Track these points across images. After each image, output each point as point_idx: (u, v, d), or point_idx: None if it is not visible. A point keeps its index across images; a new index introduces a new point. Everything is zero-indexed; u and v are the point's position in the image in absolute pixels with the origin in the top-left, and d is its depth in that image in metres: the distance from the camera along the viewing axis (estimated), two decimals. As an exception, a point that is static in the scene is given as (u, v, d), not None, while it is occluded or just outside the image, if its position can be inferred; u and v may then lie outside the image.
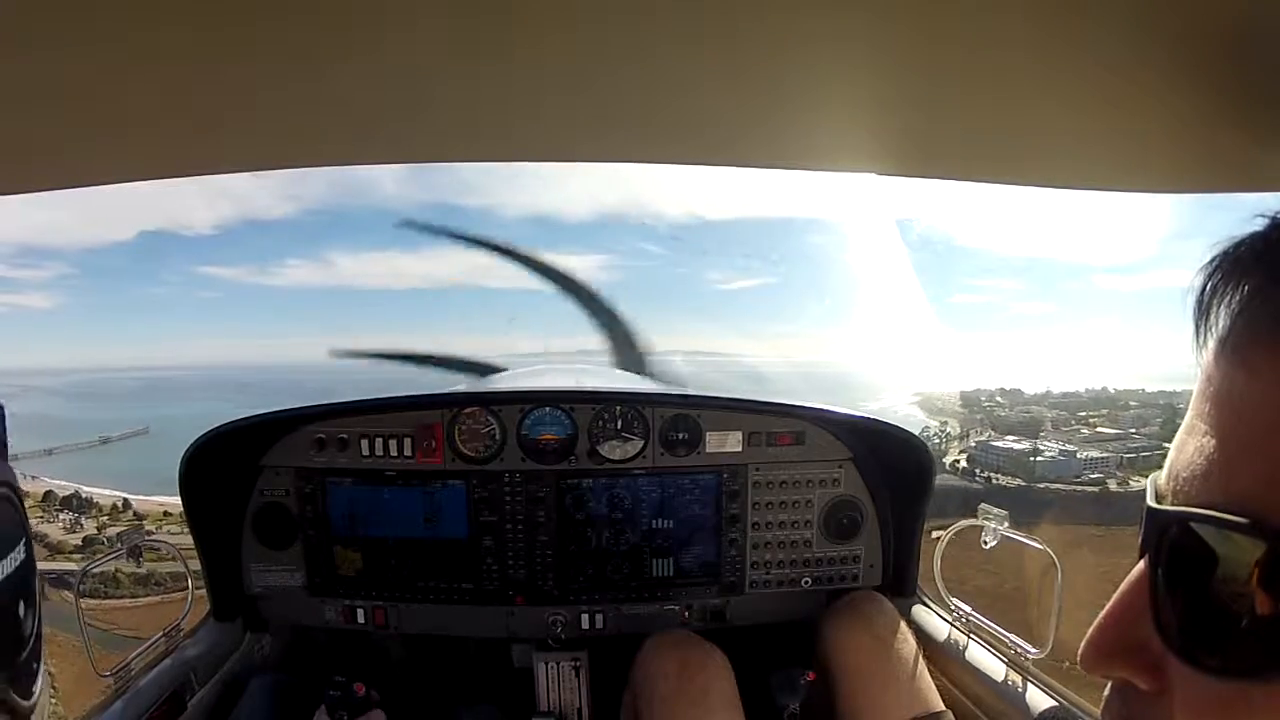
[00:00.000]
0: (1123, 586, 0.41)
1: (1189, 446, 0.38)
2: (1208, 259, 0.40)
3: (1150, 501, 0.40)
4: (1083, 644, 0.42)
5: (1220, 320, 0.39)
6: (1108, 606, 0.41)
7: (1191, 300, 0.40)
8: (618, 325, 4.09)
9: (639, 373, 3.64)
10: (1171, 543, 0.37)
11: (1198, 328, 0.40)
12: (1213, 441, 0.37)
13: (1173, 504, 0.38)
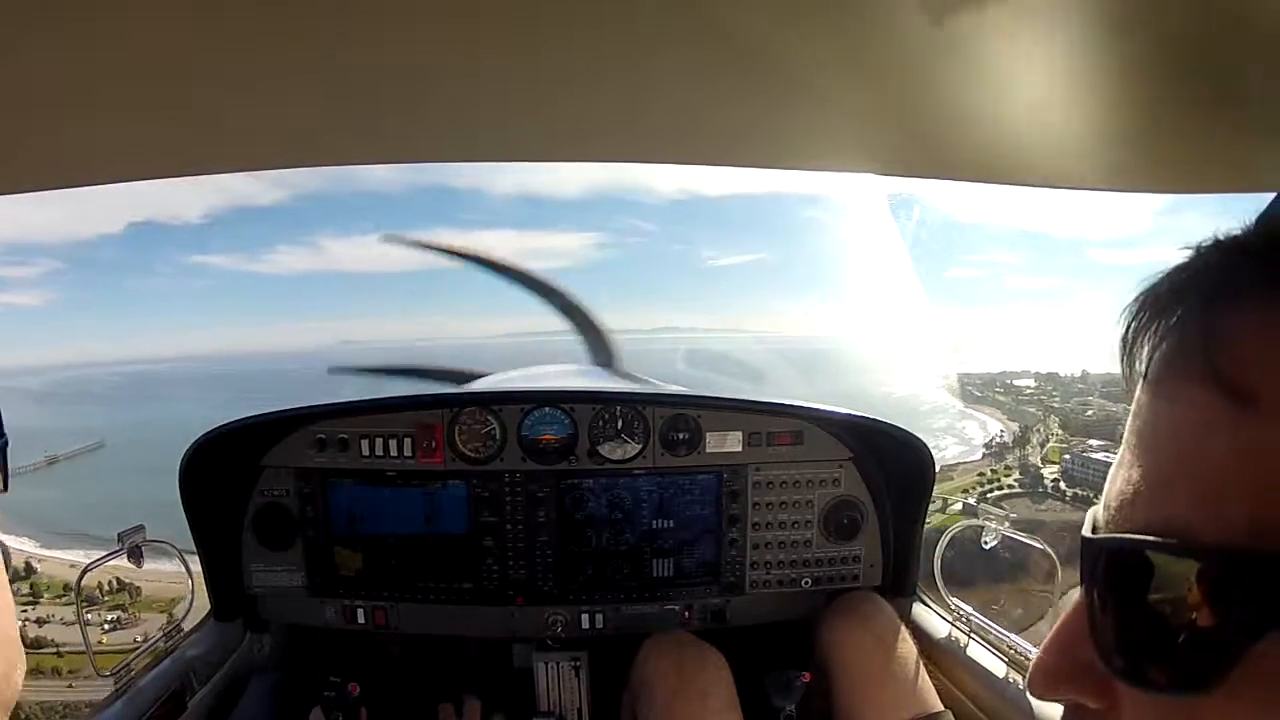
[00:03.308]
0: (1064, 614, 0.43)
1: (1119, 478, 0.40)
2: (1132, 299, 0.42)
3: (1086, 532, 0.41)
4: (1030, 670, 0.44)
5: (1143, 356, 0.41)
6: (1050, 633, 0.43)
7: (1117, 341, 0.42)
8: (583, 316, 4.08)
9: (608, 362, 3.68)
10: (1104, 568, 0.39)
11: (1124, 366, 0.42)
12: (1139, 471, 0.39)
13: (1105, 533, 0.40)
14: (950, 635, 1.92)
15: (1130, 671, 0.38)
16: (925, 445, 2.07)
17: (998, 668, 1.72)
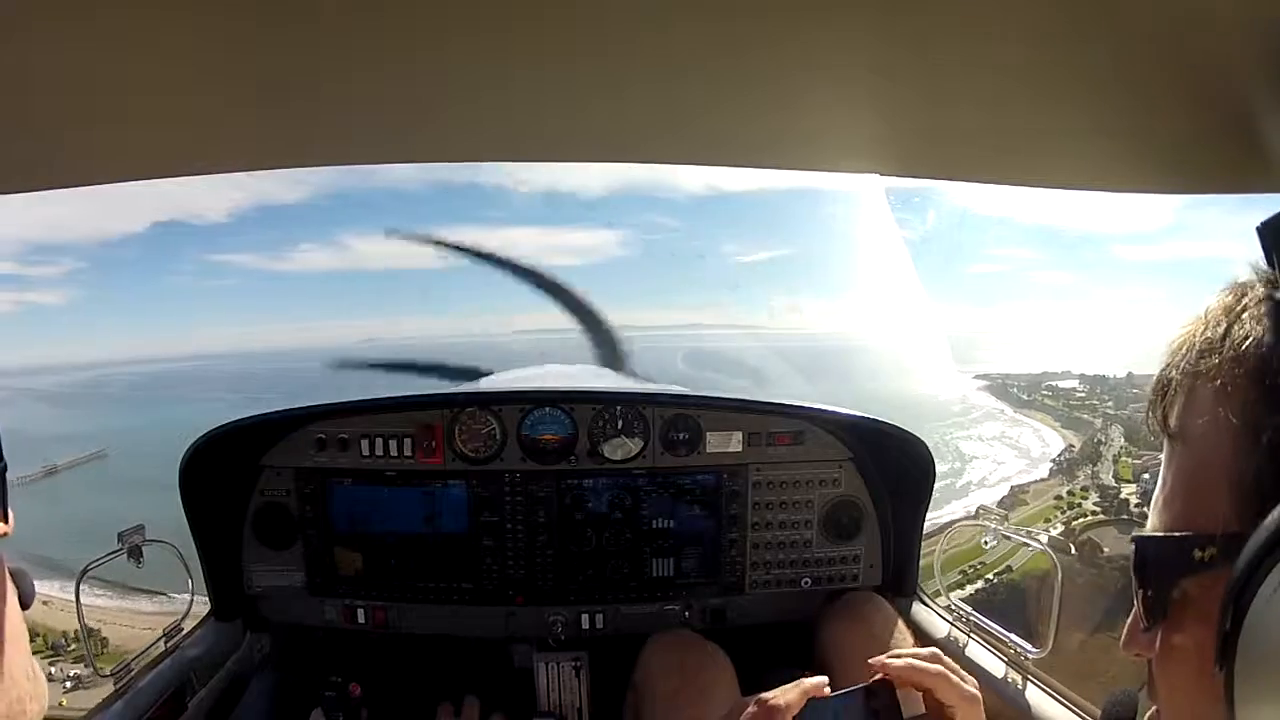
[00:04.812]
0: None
1: (1155, 497, 0.56)
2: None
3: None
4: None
5: (1164, 419, 0.55)
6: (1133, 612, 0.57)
7: (1150, 418, 0.56)
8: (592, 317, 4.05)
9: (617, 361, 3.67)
10: (1132, 554, 0.54)
11: (1154, 423, 0.56)
12: (1162, 495, 0.54)
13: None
14: (950, 635, 1.93)
15: (1150, 621, 0.53)
16: (925, 445, 2.07)
17: (997, 668, 1.72)
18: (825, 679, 1.05)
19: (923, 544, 2.15)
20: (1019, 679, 1.66)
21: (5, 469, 0.64)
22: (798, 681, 1.04)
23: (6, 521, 0.65)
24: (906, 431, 2.08)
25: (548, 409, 2.09)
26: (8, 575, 0.63)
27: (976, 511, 1.90)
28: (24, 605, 0.66)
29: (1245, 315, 0.49)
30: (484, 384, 2.74)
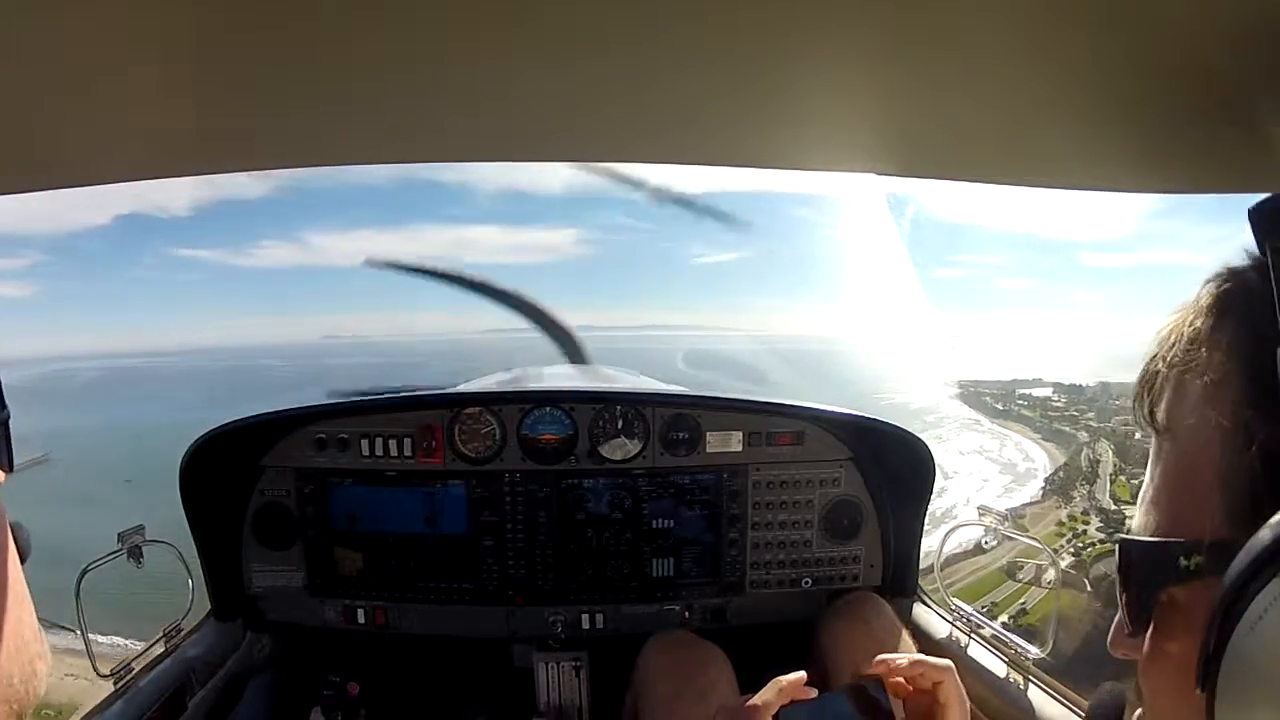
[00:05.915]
0: None
1: (1142, 493, 0.54)
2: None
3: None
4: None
5: (1151, 413, 0.53)
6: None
7: (1136, 413, 0.55)
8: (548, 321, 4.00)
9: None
10: (1116, 556, 0.53)
11: (1141, 417, 0.55)
12: (1149, 492, 0.53)
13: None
14: (950, 635, 1.92)
15: (1130, 620, 0.52)
16: (925, 445, 2.07)
17: (998, 668, 1.71)
18: (804, 675, 1.03)
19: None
20: (1019, 679, 1.65)
21: (9, 417, 0.65)
22: (775, 680, 1.02)
23: (11, 471, 0.65)
24: (907, 431, 2.07)
25: (548, 409, 2.10)
26: (8, 529, 0.62)
27: (977, 511, 1.88)
28: (22, 559, 0.66)
29: (1236, 304, 0.45)
30: (484, 384, 2.74)
